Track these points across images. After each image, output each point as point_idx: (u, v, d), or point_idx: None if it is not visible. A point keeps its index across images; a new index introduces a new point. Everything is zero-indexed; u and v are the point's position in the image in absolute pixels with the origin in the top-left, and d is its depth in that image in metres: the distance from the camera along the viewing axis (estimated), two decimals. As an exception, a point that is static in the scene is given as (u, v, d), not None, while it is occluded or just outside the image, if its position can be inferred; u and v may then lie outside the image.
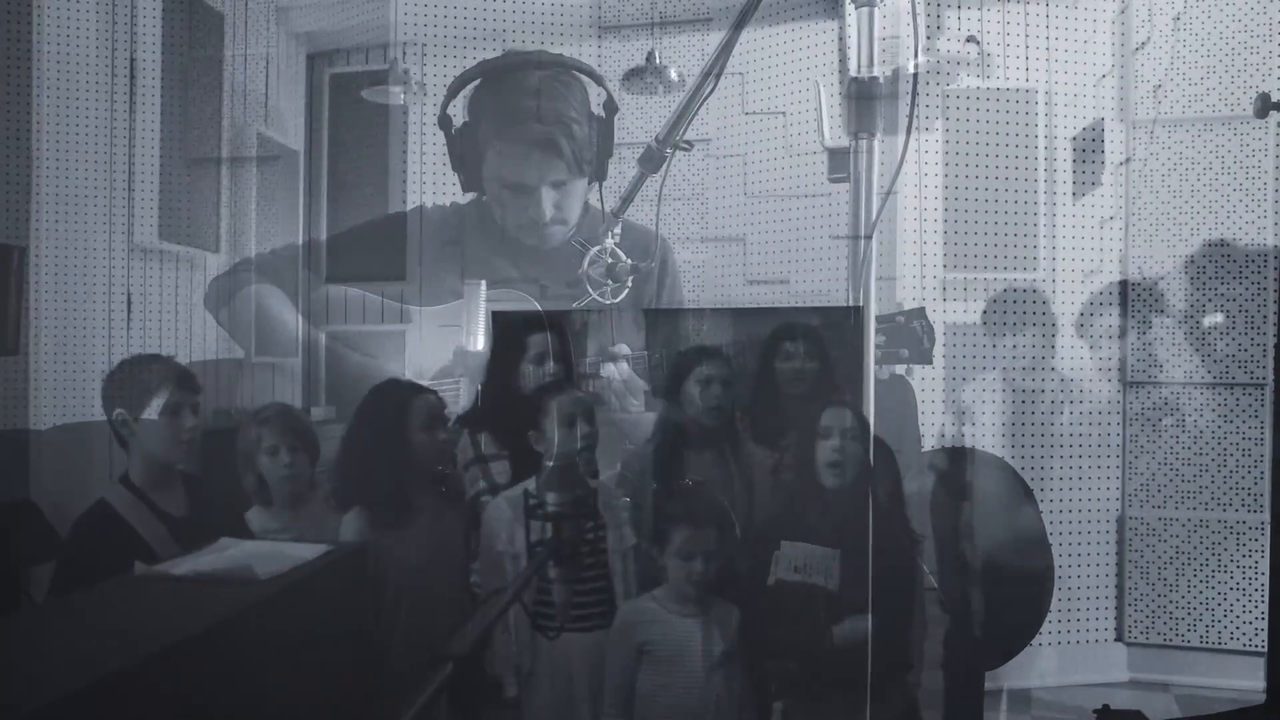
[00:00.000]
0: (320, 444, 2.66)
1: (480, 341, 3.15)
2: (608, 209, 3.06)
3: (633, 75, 3.27)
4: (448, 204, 3.54)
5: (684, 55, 3.46)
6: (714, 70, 2.74)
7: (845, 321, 2.59)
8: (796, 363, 2.64)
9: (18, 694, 1.37)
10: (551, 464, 2.39)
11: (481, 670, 2.38)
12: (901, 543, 2.48)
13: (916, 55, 2.84)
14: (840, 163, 2.61)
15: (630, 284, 2.93)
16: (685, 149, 2.83)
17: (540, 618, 2.33)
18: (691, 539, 2.32)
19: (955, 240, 3.52)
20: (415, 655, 2.36)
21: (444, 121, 3.33)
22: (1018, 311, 3.57)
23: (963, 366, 3.53)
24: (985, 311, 3.55)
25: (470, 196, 3.43)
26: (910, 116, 2.53)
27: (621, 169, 3.24)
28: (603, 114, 3.31)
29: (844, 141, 2.58)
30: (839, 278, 2.68)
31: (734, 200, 3.71)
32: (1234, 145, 3.61)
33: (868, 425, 2.46)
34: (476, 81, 3.31)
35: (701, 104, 2.75)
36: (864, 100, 2.61)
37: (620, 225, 2.94)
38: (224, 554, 1.99)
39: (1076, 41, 3.61)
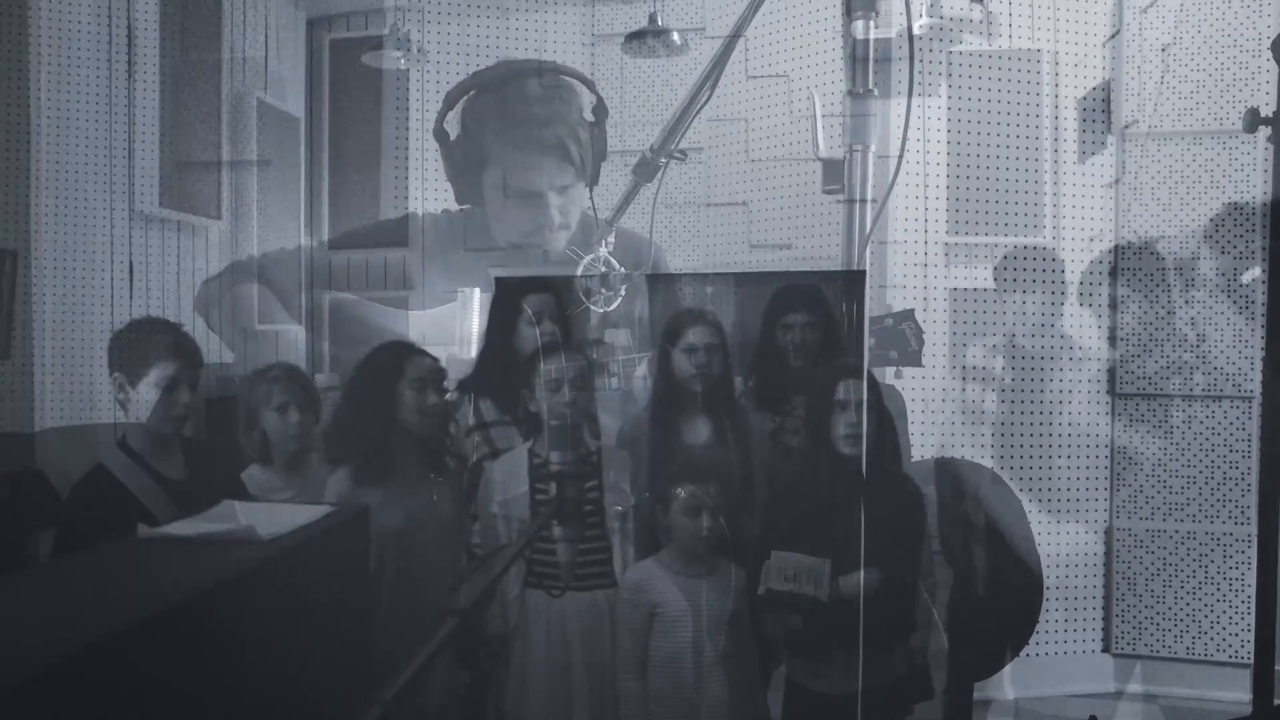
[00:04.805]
0: (323, 408, 2.63)
1: (474, 349, 3.13)
2: (601, 217, 3.03)
3: (634, 39, 3.21)
4: (439, 211, 3.52)
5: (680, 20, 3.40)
6: (710, 79, 2.72)
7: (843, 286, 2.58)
8: (797, 331, 2.59)
9: (15, 655, 1.33)
10: (554, 424, 2.36)
11: (485, 626, 2.35)
12: (904, 498, 2.44)
13: (909, 16, 2.78)
14: (834, 174, 2.59)
15: (623, 292, 2.90)
16: (679, 159, 2.86)
17: (544, 576, 2.30)
18: (695, 496, 2.29)
19: (959, 204, 3.46)
20: (402, 614, 2.33)
21: (440, 134, 3.33)
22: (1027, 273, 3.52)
23: (967, 333, 3.48)
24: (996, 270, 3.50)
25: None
26: (910, 80, 2.48)
27: (612, 175, 3.25)
28: (593, 118, 3.28)
29: (838, 153, 2.61)
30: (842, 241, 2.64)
31: (736, 165, 3.66)
32: (1223, 159, 3.59)
33: (876, 386, 2.42)
34: (471, 93, 3.28)
35: (696, 114, 2.78)
36: (867, 63, 2.56)
37: (614, 233, 2.91)
38: (226, 515, 1.96)
39: (1083, 1, 3.53)
